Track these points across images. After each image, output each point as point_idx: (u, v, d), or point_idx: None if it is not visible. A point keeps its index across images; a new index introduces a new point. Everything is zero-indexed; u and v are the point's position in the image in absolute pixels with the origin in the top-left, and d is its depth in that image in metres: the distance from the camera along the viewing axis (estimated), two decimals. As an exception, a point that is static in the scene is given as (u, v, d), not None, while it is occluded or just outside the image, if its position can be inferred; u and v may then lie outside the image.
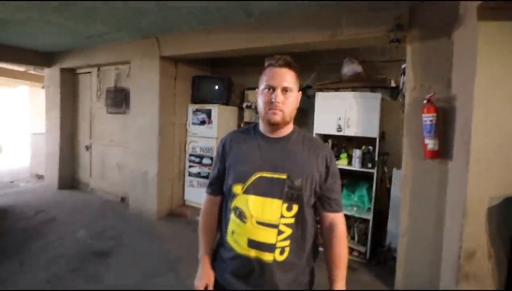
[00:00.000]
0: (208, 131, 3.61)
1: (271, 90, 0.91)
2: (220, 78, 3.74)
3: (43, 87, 5.38)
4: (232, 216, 0.93)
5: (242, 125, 3.87)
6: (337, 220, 0.96)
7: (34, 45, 4.12)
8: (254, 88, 3.58)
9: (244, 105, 3.78)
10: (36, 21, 2.99)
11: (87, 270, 2.36)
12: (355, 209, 2.73)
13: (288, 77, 0.91)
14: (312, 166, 0.92)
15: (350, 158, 2.85)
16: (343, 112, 2.77)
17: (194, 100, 3.79)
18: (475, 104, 1.57)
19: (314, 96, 2.96)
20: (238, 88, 3.99)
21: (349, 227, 2.74)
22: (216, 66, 4.25)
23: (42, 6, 2.58)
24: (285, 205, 0.88)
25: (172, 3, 2.41)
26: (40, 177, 5.44)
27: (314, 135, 2.91)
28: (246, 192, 0.91)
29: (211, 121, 3.59)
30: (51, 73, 4.79)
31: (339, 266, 0.92)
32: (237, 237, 0.91)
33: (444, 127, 1.89)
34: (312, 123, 2.95)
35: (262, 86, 0.94)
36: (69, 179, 4.86)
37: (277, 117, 0.91)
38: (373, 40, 2.34)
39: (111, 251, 2.70)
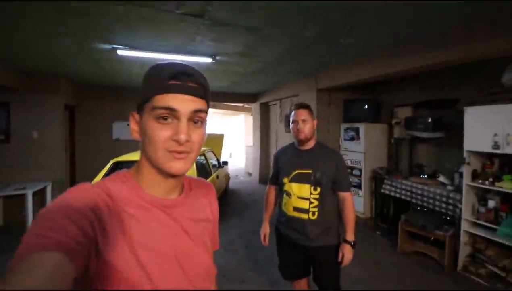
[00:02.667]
0: (356, 146, 4.19)
1: (295, 122, 1.57)
2: (368, 99, 4.22)
3: (251, 115, 8.16)
4: (284, 195, 1.64)
5: (392, 141, 4.08)
6: (346, 196, 1.58)
7: (247, 90, 6.59)
8: (402, 105, 3.82)
9: (393, 122, 3.97)
10: (249, 80, 5.08)
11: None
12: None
13: (303, 113, 1.55)
14: (327, 166, 1.55)
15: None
16: (501, 127, 2.47)
17: (345, 120, 4.51)
18: None
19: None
20: (388, 106, 4.23)
21: None
22: (367, 88, 4.69)
23: (251, 75, 4.48)
24: (312, 187, 1.54)
25: (326, 51, 3.39)
26: (250, 174, 8.25)
27: (465, 152, 2.76)
28: (290, 181, 1.59)
29: (359, 138, 4.15)
30: (255, 107, 7.29)
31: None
32: (287, 206, 1.62)
33: None
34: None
35: (291, 121, 1.59)
36: (264, 176, 7.09)
37: (301, 136, 1.56)
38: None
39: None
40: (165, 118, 0.52)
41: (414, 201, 3.26)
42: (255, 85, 5.76)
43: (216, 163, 5.21)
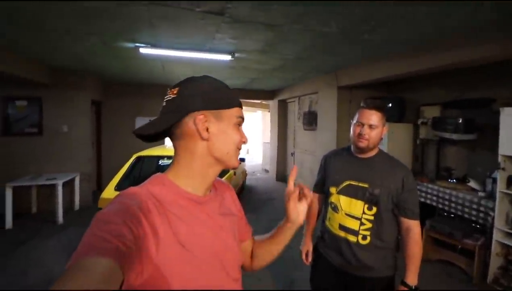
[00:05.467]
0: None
1: (360, 125, 1.23)
2: (391, 97, 4.02)
3: (269, 111, 8.11)
4: (329, 208, 1.35)
5: (417, 142, 3.86)
6: (412, 225, 1.21)
7: (265, 87, 6.54)
8: (429, 104, 3.60)
9: (419, 121, 3.76)
10: (268, 77, 5.03)
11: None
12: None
13: (374, 116, 1.20)
14: (390, 182, 1.20)
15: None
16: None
17: (367, 119, 4.33)
18: None
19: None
20: (414, 105, 4.01)
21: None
22: (391, 85, 4.48)
23: (269, 72, 4.42)
24: (366, 206, 1.23)
25: (348, 48, 3.27)
26: (267, 171, 8.23)
27: (499, 156, 2.56)
28: (339, 193, 1.30)
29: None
30: (273, 104, 7.23)
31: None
32: (332, 222, 1.34)
33: None
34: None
35: (354, 120, 1.26)
36: (282, 174, 7.05)
37: (363, 144, 1.22)
38: None
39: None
40: (239, 125, 0.66)
41: (440, 206, 3.08)
42: (273, 82, 5.70)
43: (233, 159, 5.24)
